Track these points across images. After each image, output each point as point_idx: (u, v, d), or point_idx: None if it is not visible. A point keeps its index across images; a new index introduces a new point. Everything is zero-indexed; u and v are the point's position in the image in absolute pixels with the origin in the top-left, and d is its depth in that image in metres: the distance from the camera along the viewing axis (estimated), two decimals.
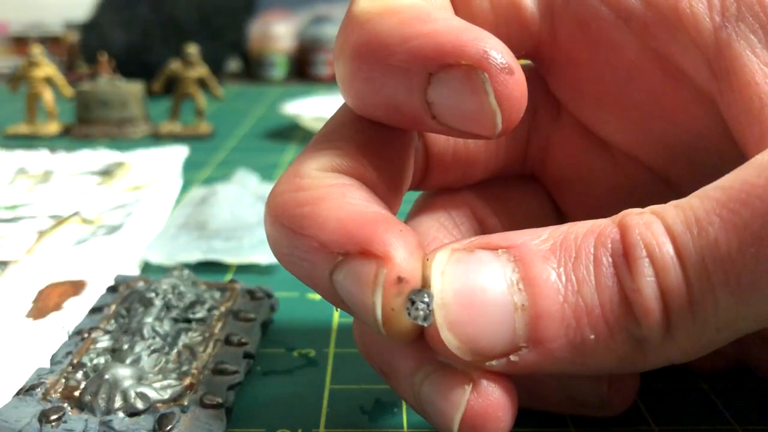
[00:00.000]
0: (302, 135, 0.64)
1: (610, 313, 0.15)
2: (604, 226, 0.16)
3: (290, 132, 0.65)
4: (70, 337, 0.25)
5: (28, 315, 0.28)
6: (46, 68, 0.64)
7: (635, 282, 0.15)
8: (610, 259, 0.16)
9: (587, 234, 0.16)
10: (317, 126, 0.62)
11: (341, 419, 0.22)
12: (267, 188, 0.43)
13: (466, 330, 0.16)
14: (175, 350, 0.23)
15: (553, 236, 0.16)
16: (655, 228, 0.15)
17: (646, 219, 0.16)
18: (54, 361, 0.23)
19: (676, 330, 0.15)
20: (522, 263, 0.16)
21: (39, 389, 0.21)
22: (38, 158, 0.51)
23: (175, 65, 0.63)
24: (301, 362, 0.26)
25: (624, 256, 0.15)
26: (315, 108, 0.66)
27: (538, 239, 0.16)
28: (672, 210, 0.16)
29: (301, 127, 0.66)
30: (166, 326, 0.24)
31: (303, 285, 0.32)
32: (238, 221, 0.36)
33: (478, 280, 0.16)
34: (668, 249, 0.15)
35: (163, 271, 0.33)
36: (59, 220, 0.38)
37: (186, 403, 0.21)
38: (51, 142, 0.60)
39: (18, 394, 0.21)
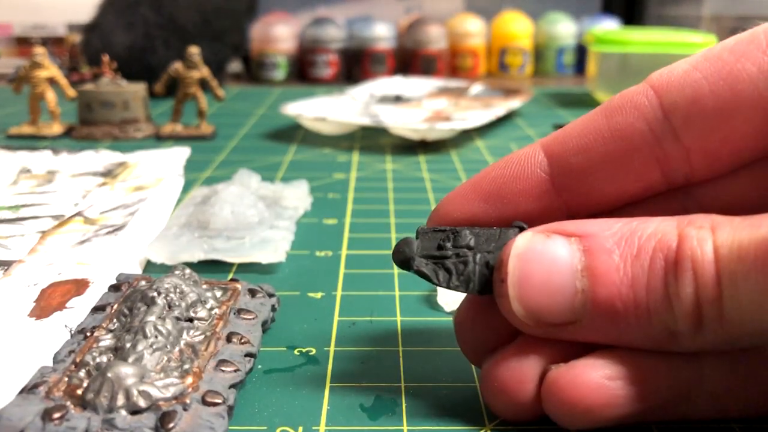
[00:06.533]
0: (303, 135, 0.64)
1: (653, 305, 0.19)
2: (666, 232, 0.19)
3: (291, 132, 0.66)
4: (72, 336, 0.25)
5: (31, 314, 0.28)
6: (49, 69, 0.64)
7: (678, 288, 0.18)
8: (663, 264, 0.19)
9: (651, 236, 0.19)
10: (318, 126, 0.62)
11: (341, 417, 0.23)
12: (268, 188, 0.43)
13: (532, 304, 0.20)
14: (177, 349, 0.24)
15: (622, 230, 0.19)
16: (706, 248, 0.18)
17: (701, 235, 0.18)
18: (57, 359, 0.23)
19: (706, 330, 0.18)
20: (589, 254, 0.19)
21: (42, 388, 0.21)
22: (41, 159, 0.51)
23: (177, 66, 0.63)
24: (301, 360, 0.26)
25: (674, 264, 0.18)
26: (315, 109, 0.66)
27: (609, 231, 0.20)
28: (726, 230, 0.18)
29: (302, 127, 0.66)
30: (168, 325, 0.24)
31: (304, 284, 0.32)
32: (239, 221, 0.36)
33: (547, 264, 0.20)
34: (710, 269, 0.18)
35: (165, 270, 0.33)
36: (62, 221, 0.38)
37: (188, 401, 0.21)
38: (54, 143, 0.60)
39: (21, 392, 0.21)
